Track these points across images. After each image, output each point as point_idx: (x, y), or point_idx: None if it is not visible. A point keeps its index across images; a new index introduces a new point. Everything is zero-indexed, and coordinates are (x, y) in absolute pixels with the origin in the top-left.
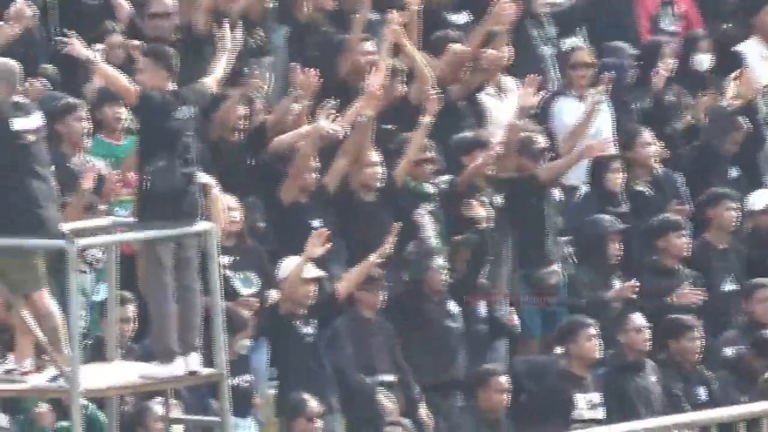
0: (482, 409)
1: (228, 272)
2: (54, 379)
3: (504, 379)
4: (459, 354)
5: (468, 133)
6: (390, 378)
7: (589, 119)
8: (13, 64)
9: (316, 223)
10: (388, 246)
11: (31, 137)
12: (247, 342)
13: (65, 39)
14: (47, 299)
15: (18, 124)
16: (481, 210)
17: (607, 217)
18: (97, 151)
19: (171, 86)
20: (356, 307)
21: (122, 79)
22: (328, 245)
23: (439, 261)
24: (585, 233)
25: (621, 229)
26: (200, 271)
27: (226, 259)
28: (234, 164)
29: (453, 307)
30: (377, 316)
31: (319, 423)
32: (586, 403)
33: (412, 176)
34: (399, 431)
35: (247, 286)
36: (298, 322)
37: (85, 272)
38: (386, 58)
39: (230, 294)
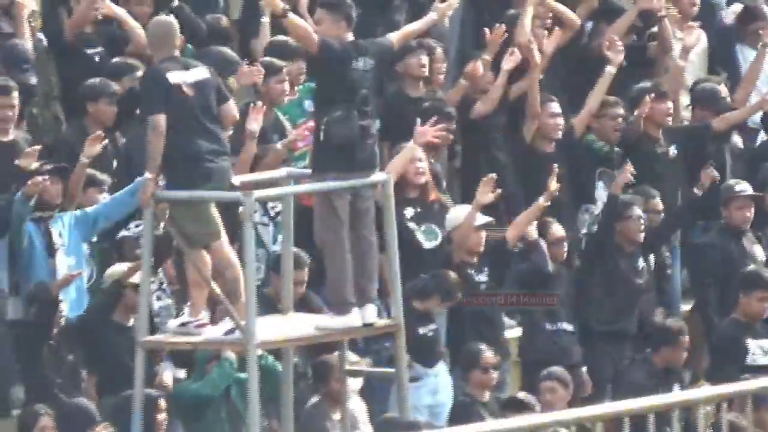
0: (660, 363)
1: (411, 224)
2: (230, 331)
3: (687, 338)
4: (636, 309)
5: (646, 83)
6: (570, 327)
7: (758, 68)
8: (166, 20)
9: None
10: (554, 188)
11: (189, 91)
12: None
13: None
14: (227, 250)
15: (175, 77)
16: None
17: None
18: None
19: (350, 37)
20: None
21: (309, 28)
22: (498, 192)
23: (638, 210)
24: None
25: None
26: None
27: (409, 211)
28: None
29: (641, 262)
30: (558, 266)
31: (495, 374)
32: (760, 349)
33: (596, 132)
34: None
35: (430, 239)
36: (471, 270)
37: (266, 225)
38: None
39: (413, 246)
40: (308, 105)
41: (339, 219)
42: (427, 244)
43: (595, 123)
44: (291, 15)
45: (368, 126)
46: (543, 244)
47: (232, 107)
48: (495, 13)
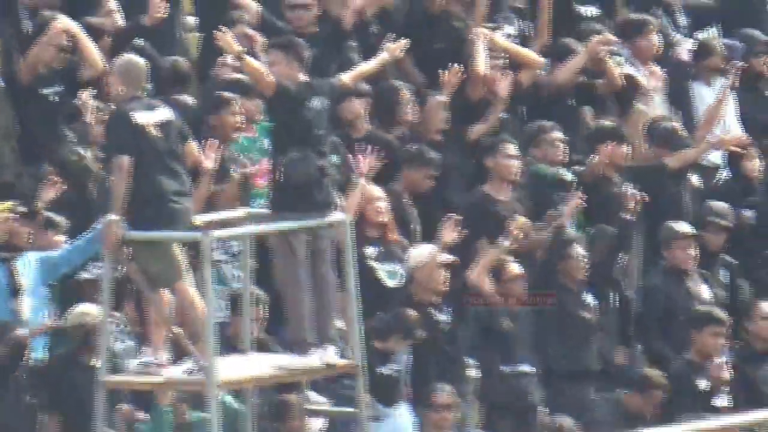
0: (631, 407)
1: (373, 263)
2: (190, 371)
3: (660, 394)
4: (593, 344)
5: (606, 123)
6: (528, 368)
7: (719, 107)
8: (138, 60)
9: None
10: (517, 234)
11: (155, 131)
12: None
13: (220, 33)
14: (190, 290)
15: (140, 117)
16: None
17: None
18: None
19: (303, 77)
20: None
21: (264, 70)
22: (462, 232)
23: (579, 249)
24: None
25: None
26: (337, 263)
27: (371, 250)
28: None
29: (589, 297)
30: (518, 307)
31: (449, 414)
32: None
33: (542, 160)
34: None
35: (392, 277)
36: (432, 310)
37: (226, 262)
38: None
39: (375, 285)
40: (267, 144)
41: (297, 258)
42: (390, 283)
43: (537, 152)
44: (247, 57)
45: (325, 166)
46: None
47: (194, 147)
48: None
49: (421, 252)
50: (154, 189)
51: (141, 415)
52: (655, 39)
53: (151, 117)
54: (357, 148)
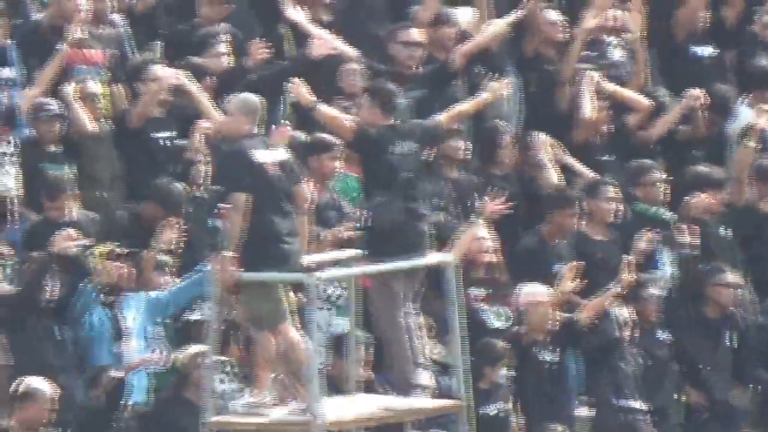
0: None
1: (480, 305)
2: (296, 412)
3: None
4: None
5: (704, 169)
6: (638, 405)
7: None
8: (255, 99)
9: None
10: (628, 277)
11: (273, 170)
12: (505, 371)
13: (293, 84)
14: (294, 332)
15: (260, 156)
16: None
17: None
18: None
19: (389, 122)
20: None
21: (341, 118)
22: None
23: (656, 291)
24: None
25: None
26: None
27: (479, 291)
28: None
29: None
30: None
31: None
32: None
33: (642, 199)
34: None
35: (499, 319)
36: (537, 349)
37: (322, 308)
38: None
39: (481, 327)
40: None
41: (396, 300)
42: (497, 324)
43: (639, 191)
44: (320, 106)
45: (415, 209)
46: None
47: (305, 189)
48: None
49: (533, 290)
50: (269, 229)
51: None
52: None
53: (270, 156)
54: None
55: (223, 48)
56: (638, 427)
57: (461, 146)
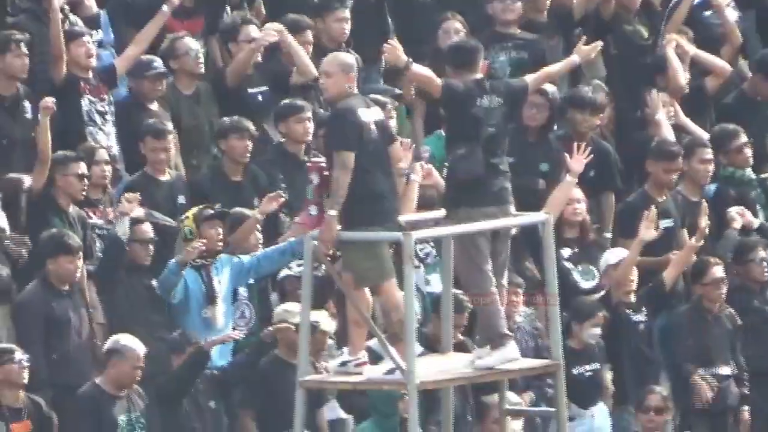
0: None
1: (568, 264)
2: (390, 371)
3: None
4: None
5: None
6: (726, 371)
7: None
8: (352, 56)
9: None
10: (703, 232)
11: (375, 129)
12: (597, 330)
13: (389, 45)
14: (396, 291)
15: (364, 115)
16: None
17: None
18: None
19: (474, 76)
20: (698, 299)
21: (430, 74)
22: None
23: (762, 253)
24: None
25: None
26: (537, 262)
27: (566, 251)
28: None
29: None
30: (719, 309)
31: (658, 416)
32: None
33: (733, 164)
34: None
35: (587, 279)
36: (629, 310)
37: (417, 267)
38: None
39: (570, 286)
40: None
41: (483, 256)
42: (584, 284)
43: (723, 159)
44: (413, 66)
45: (497, 164)
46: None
47: (399, 147)
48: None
49: (615, 253)
50: (374, 187)
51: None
52: None
53: (371, 115)
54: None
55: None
56: (726, 393)
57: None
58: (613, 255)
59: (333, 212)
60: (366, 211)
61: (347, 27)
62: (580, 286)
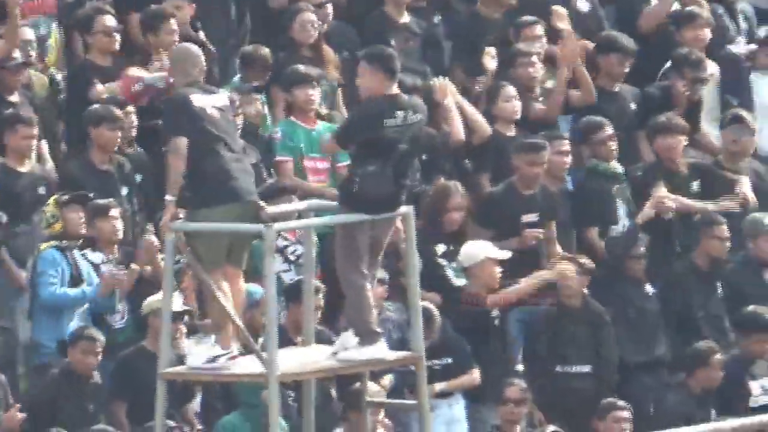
0: (694, 387)
1: (442, 261)
2: (251, 364)
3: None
4: (658, 334)
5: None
6: (585, 369)
7: None
8: (188, 47)
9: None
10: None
11: (214, 113)
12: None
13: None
14: (222, 282)
15: (198, 101)
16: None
17: None
18: (288, 132)
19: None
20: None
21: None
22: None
23: (641, 248)
24: None
25: None
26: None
27: (441, 248)
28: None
29: (649, 288)
30: (582, 303)
31: (516, 409)
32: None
33: (597, 156)
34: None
35: (459, 276)
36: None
37: (287, 270)
38: None
39: (443, 283)
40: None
41: (359, 252)
42: (457, 281)
43: (587, 151)
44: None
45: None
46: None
47: None
48: None
49: (475, 249)
50: (215, 167)
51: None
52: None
53: (210, 100)
54: None
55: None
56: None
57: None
58: (474, 250)
59: (169, 197)
60: (208, 190)
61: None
62: (453, 283)
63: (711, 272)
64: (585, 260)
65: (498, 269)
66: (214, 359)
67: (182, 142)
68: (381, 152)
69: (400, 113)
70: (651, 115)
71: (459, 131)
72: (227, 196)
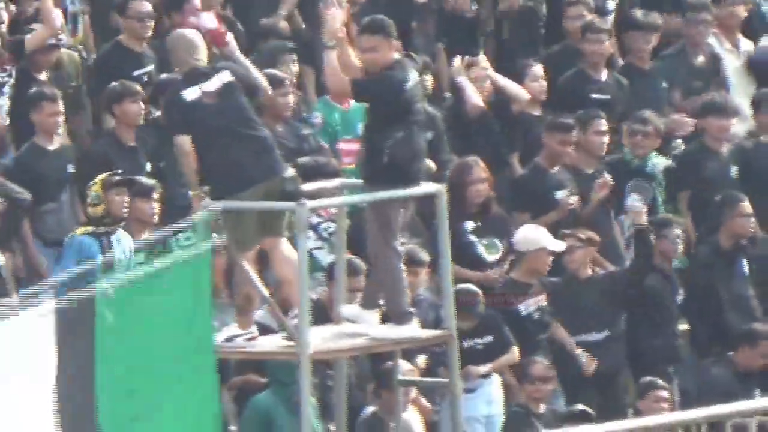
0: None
1: (472, 237)
2: (283, 341)
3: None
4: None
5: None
6: (599, 336)
7: None
8: (187, 33)
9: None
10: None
11: (210, 100)
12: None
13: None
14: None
15: (191, 94)
16: None
17: None
18: (324, 111)
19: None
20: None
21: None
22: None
23: (676, 231)
24: None
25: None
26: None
27: (470, 224)
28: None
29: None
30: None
31: (544, 386)
32: None
33: (631, 148)
34: None
35: (491, 252)
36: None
37: (320, 248)
38: None
39: (474, 260)
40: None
41: (392, 230)
42: (489, 257)
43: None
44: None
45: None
46: None
47: (265, 89)
48: None
49: (532, 235)
50: (224, 159)
51: None
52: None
53: (206, 86)
54: None
55: None
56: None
57: None
58: (532, 236)
59: (191, 193)
60: (223, 182)
61: None
62: (485, 259)
63: (735, 251)
64: (588, 233)
65: (550, 259)
66: (231, 339)
67: (183, 140)
68: (406, 116)
69: (412, 74)
70: None
71: (475, 101)
72: (243, 184)
